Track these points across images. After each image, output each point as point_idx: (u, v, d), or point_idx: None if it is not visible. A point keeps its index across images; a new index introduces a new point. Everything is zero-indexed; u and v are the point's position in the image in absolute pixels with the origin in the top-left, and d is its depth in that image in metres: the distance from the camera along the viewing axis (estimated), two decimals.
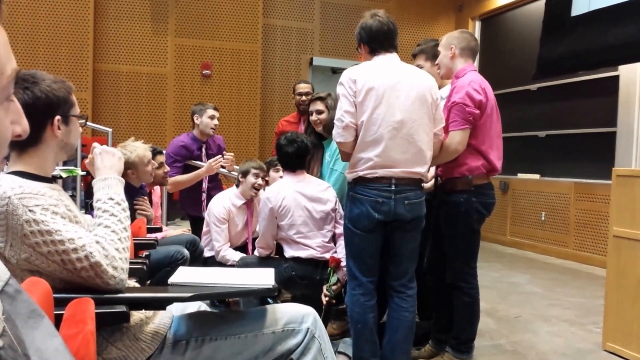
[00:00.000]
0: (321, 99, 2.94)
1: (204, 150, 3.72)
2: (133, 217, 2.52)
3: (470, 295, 2.42)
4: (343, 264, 2.55)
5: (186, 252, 2.58)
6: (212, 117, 3.63)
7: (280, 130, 4.00)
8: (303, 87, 4.00)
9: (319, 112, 2.93)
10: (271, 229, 2.67)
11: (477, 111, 2.29)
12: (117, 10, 6.30)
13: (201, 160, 3.69)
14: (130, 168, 2.60)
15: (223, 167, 3.65)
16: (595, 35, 4.93)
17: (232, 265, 2.87)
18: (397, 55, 2.22)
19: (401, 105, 2.08)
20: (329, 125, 2.81)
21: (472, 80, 2.32)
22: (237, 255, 2.97)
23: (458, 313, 2.44)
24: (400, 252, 2.19)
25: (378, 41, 2.19)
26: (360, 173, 2.12)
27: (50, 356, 0.70)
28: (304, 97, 3.93)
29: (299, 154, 2.70)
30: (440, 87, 2.58)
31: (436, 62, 2.56)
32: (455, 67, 2.45)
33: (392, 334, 2.20)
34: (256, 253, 2.83)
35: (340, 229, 2.65)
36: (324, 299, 2.56)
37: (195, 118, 3.65)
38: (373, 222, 2.10)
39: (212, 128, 3.64)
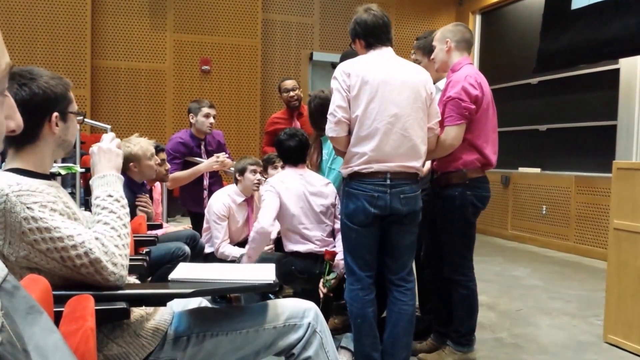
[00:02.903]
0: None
1: (202, 147, 3.70)
2: (134, 213, 2.52)
3: (467, 287, 2.42)
4: (339, 257, 2.55)
5: (187, 249, 2.58)
6: (207, 116, 3.56)
7: (273, 129, 3.96)
8: (289, 84, 4.00)
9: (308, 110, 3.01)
10: (275, 205, 2.60)
11: (473, 106, 2.28)
12: (115, 6, 6.27)
13: (200, 157, 3.67)
14: (133, 161, 2.62)
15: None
16: (595, 28, 4.91)
17: (232, 261, 2.87)
18: (392, 50, 2.22)
19: (395, 100, 2.08)
20: (313, 119, 2.88)
21: (467, 75, 2.31)
22: (236, 251, 2.97)
23: (456, 306, 2.44)
24: (398, 246, 2.19)
25: (375, 35, 2.18)
26: (356, 168, 2.11)
27: (50, 352, 0.69)
28: (291, 93, 3.94)
29: (300, 147, 2.73)
30: (437, 80, 2.58)
31: (431, 56, 2.54)
32: (451, 60, 2.43)
33: (392, 327, 2.20)
34: (247, 246, 2.66)
35: (339, 224, 2.64)
36: (321, 292, 2.56)
37: (190, 117, 3.60)
38: (369, 216, 2.10)
39: (208, 126, 3.59)
